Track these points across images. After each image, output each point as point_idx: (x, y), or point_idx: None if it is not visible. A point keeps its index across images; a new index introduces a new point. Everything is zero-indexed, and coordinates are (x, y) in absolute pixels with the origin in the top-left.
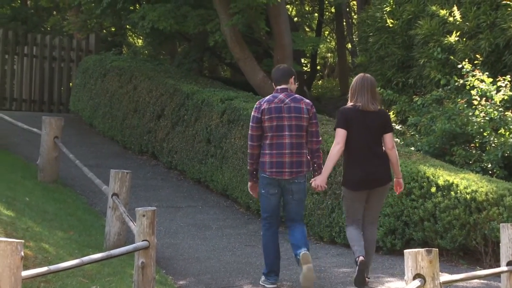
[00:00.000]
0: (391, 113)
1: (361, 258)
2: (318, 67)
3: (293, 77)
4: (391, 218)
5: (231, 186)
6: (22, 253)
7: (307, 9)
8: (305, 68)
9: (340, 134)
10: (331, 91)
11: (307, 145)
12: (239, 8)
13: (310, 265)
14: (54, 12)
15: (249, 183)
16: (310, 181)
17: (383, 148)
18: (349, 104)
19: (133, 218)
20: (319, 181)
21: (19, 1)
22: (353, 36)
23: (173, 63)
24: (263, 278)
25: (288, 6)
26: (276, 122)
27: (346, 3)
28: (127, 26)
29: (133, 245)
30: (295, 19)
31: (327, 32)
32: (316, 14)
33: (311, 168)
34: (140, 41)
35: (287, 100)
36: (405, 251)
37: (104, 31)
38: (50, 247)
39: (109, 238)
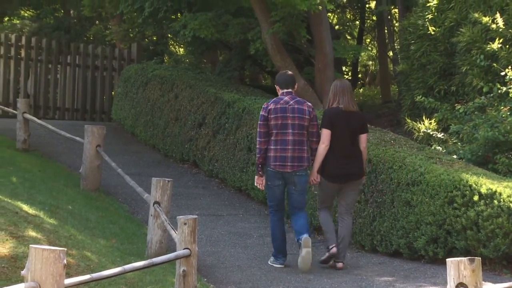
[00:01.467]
0: (432, 120)
1: (334, 249)
2: (359, 75)
3: (297, 84)
4: (433, 226)
5: None
6: (65, 261)
7: (348, 17)
8: (346, 76)
9: (326, 134)
10: (372, 99)
11: (308, 144)
12: (280, 16)
13: (309, 249)
14: (97, 22)
15: (256, 177)
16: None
17: (359, 146)
18: (331, 106)
19: (175, 226)
20: (310, 177)
21: (62, 11)
22: (395, 44)
23: (214, 71)
24: (272, 259)
25: (329, 14)
26: (281, 121)
27: (387, 11)
28: (169, 35)
29: (175, 253)
30: (336, 27)
31: (368, 40)
32: (357, 22)
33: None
34: (181, 49)
35: (291, 102)
36: (447, 260)
37: (146, 40)
38: (92, 255)
39: (151, 246)
